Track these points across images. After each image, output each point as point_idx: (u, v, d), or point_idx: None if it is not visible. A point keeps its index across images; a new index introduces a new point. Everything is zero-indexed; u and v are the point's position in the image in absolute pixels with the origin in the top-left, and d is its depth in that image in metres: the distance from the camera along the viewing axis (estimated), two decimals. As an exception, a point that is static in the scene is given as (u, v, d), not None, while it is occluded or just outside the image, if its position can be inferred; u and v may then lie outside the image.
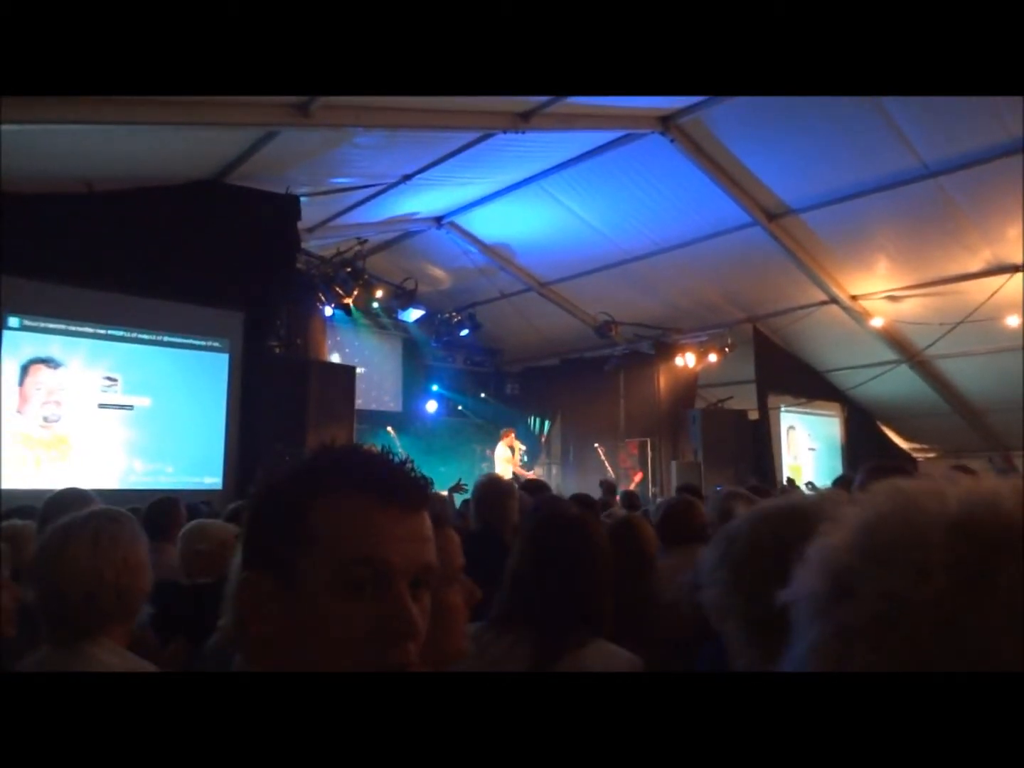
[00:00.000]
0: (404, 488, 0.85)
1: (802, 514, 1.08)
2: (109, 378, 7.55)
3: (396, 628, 0.80)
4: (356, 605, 0.79)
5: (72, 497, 3.08)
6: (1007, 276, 9.13)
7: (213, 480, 8.04)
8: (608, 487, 8.86)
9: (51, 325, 7.31)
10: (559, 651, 1.77)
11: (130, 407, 7.66)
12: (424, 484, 0.88)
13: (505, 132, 7.51)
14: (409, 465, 0.89)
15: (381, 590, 0.80)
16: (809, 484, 6.80)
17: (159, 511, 3.80)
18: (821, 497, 1.17)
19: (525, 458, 12.13)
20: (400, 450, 10.23)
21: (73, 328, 7.45)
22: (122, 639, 1.70)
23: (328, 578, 0.80)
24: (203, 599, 2.82)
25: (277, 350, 9.02)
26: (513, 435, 11.58)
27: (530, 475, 11.18)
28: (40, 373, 7.20)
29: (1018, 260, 8.99)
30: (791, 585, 0.57)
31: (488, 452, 13.25)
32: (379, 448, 0.90)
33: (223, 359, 8.26)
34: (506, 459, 11.33)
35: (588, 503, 4.64)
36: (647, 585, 2.75)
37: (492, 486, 3.71)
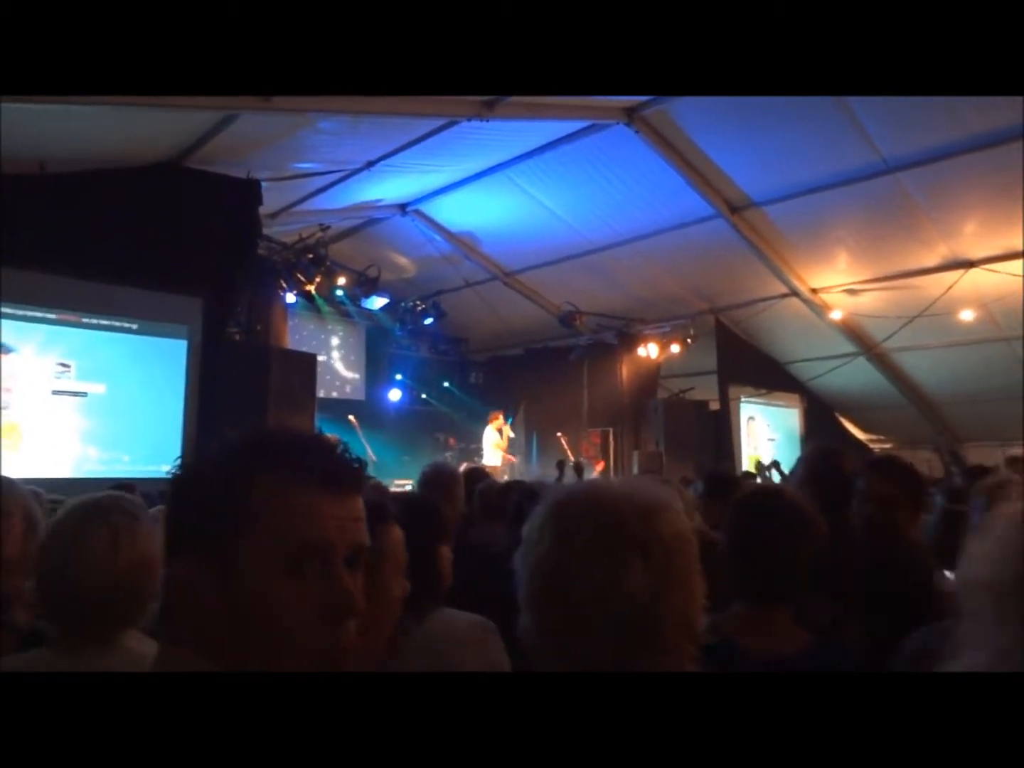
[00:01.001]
0: (341, 471, 0.86)
1: None
2: (62, 364, 7.38)
3: (337, 607, 0.80)
4: (297, 586, 0.79)
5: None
6: (962, 271, 9.33)
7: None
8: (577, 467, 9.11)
9: (2, 310, 7.12)
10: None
11: (84, 394, 7.50)
12: (359, 467, 0.89)
13: (469, 120, 7.46)
14: (344, 448, 0.89)
15: (321, 571, 0.80)
16: (774, 464, 6.92)
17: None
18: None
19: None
20: (362, 439, 10.19)
21: (26, 313, 7.26)
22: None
23: (268, 561, 0.79)
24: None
25: (237, 337, 8.89)
26: (501, 418, 11.38)
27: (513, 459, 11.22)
28: (-9, 358, 7.02)
29: (973, 256, 9.18)
30: None
31: (451, 441, 13.22)
32: (314, 431, 0.91)
33: (181, 346, 8.11)
34: (495, 443, 11.15)
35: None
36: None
37: (437, 472, 3.74)
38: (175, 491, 0.87)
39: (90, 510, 1.60)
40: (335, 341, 13.26)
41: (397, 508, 1.95)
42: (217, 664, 0.79)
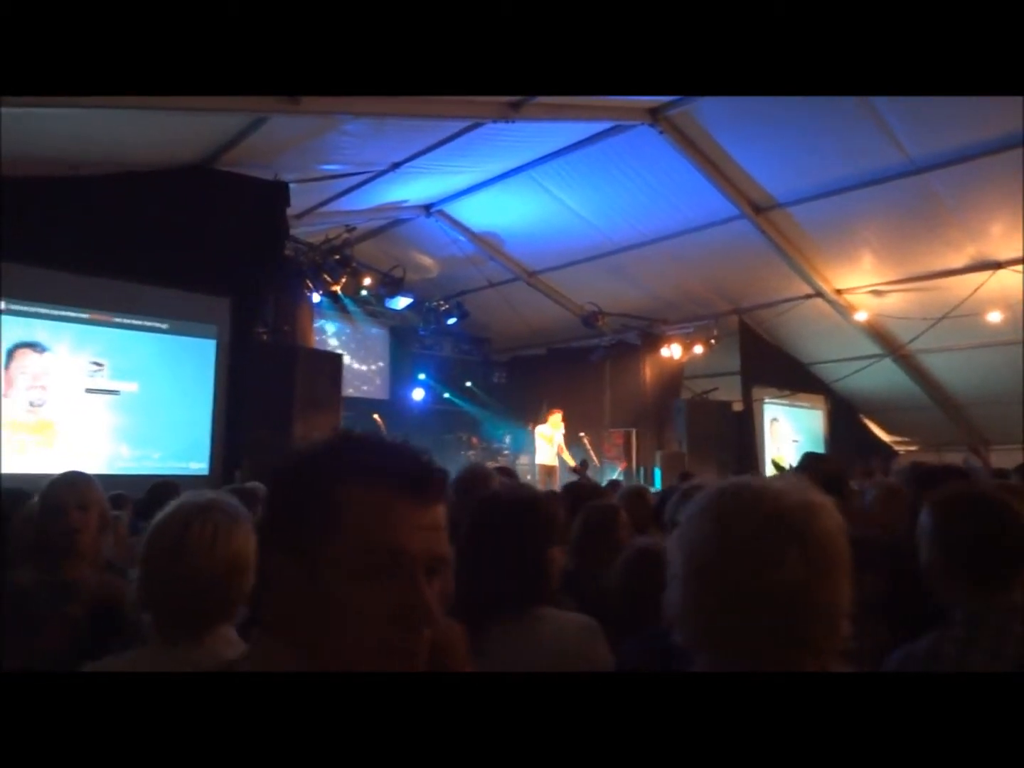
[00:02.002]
0: (425, 480, 0.88)
1: None
2: (95, 363, 7.53)
3: (414, 615, 0.83)
4: (377, 591, 0.82)
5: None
6: (989, 272, 9.25)
7: (199, 466, 8.04)
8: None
9: (37, 309, 7.27)
10: (488, 625, 1.80)
11: (116, 392, 7.64)
12: (442, 476, 0.90)
13: (495, 121, 7.51)
14: (428, 456, 0.91)
15: (401, 578, 0.83)
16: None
17: (160, 496, 3.84)
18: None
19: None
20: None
21: (59, 312, 7.42)
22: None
23: (351, 565, 0.82)
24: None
25: (264, 337, 9.00)
26: (560, 415, 10.89)
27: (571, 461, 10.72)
28: (26, 358, 7.17)
29: (1000, 257, 9.10)
30: None
31: (473, 440, 13.29)
32: (399, 438, 0.93)
33: (210, 345, 8.24)
34: (546, 437, 10.65)
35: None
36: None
37: (472, 474, 3.71)
38: (273, 488, 0.91)
39: (193, 509, 1.65)
40: (360, 341, 13.37)
41: (510, 506, 2.01)
42: (300, 654, 0.83)
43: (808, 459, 3.61)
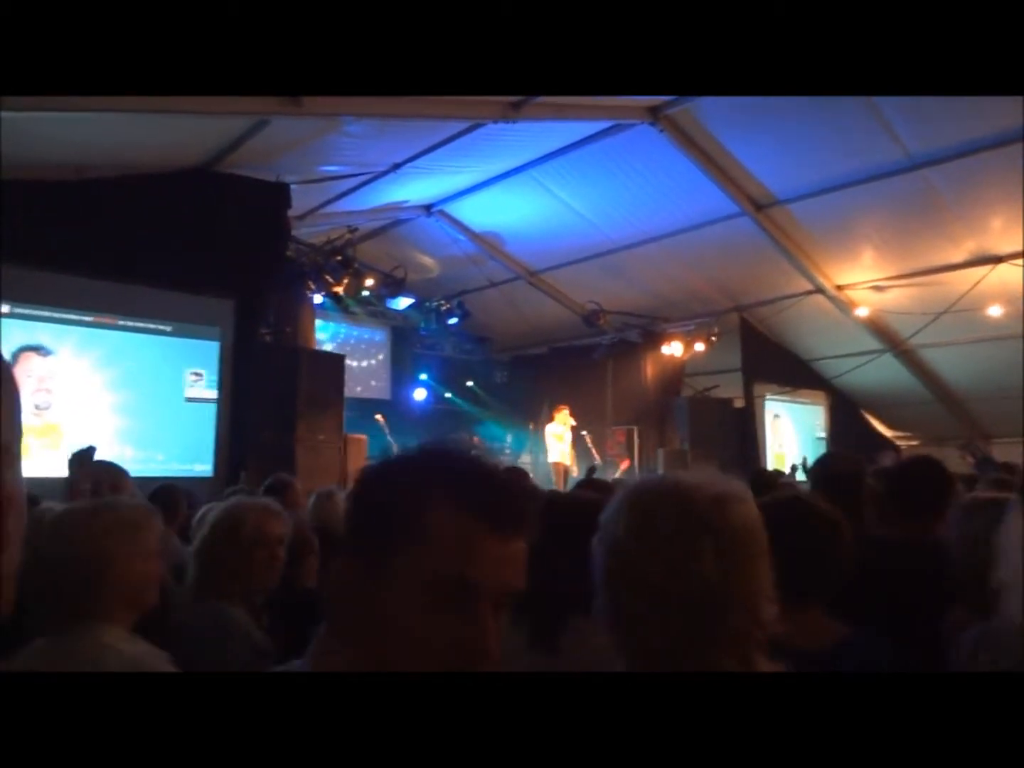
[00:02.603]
0: (512, 513, 0.85)
1: None
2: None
3: (473, 648, 0.81)
4: (439, 617, 0.80)
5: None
6: (989, 267, 9.26)
7: (204, 468, 8.07)
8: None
9: (40, 313, 7.30)
10: (555, 628, 1.84)
11: (121, 395, 7.66)
12: (529, 505, 0.88)
13: (496, 122, 7.53)
14: (518, 484, 0.88)
15: (467, 609, 0.81)
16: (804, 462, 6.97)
17: (163, 499, 3.87)
18: None
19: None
20: (390, 438, 10.30)
21: (63, 316, 7.44)
22: (128, 627, 1.73)
23: (419, 585, 0.81)
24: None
25: (267, 338, 9.03)
26: (567, 411, 10.80)
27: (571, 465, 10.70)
28: (30, 361, 7.19)
29: (1000, 251, 9.12)
30: None
31: (475, 440, 13.29)
32: (491, 460, 0.89)
33: (214, 347, 8.27)
34: (557, 436, 10.60)
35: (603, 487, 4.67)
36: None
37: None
38: (360, 490, 0.90)
39: (82, 505, 1.76)
40: (362, 341, 13.39)
41: (565, 507, 2.04)
42: (356, 663, 0.83)
43: (823, 460, 3.56)
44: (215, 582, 2.23)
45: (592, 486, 3.95)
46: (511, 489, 0.87)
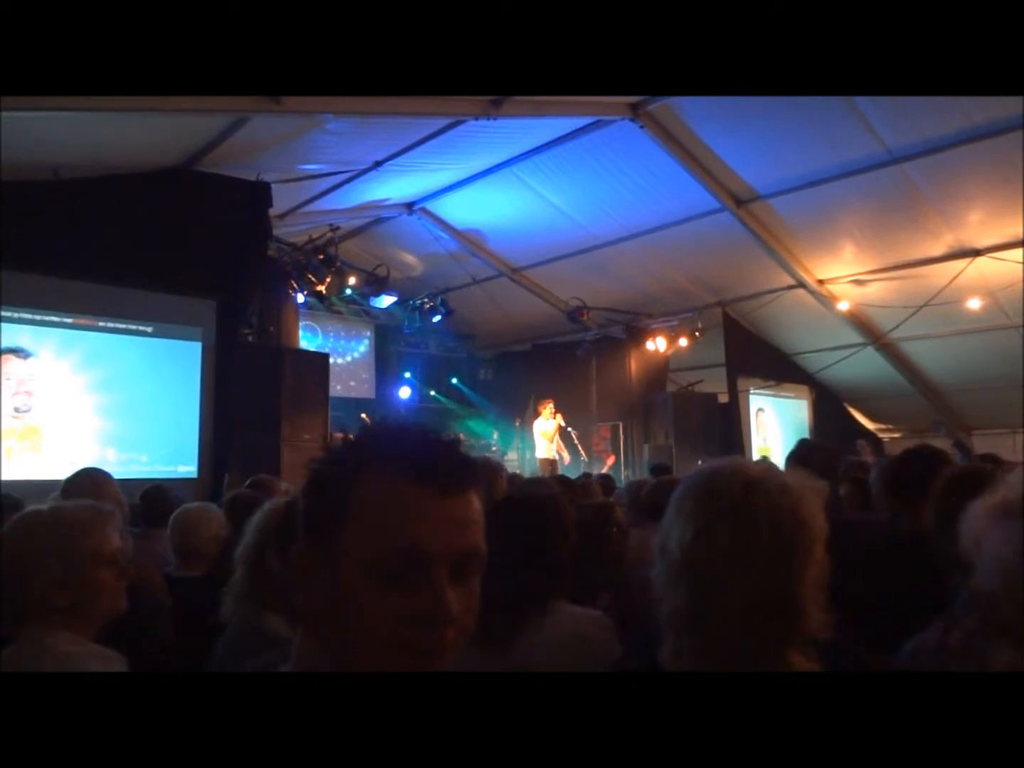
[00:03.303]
0: (444, 468, 0.81)
1: None
2: (80, 367, 7.50)
3: (431, 617, 0.77)
4: (391, 594, 0.77)
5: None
6: (968, 260, 9.36)
7: (188, 469, 8.02)
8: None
9: (20, 315, 7.22)
10: (515, 622, 1.87)
11: (102, 397, 7.61)
12: (469, 463, 0.84)
13: (477, 119, 7.52)
14: (453, 443, 0.85)
15: (418, 579, 0.77)
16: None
17: (152, 500, 3.85)
18: None
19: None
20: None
21: (43, 317, 7.38)
22: (87, 632, 1.72)
23: (367, 559, 0.78)
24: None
25: (250, 338, 8.98)
26: (552, 406, 10.75)
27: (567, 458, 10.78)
28: (10, 363, 7.12)
29: (979, 245, 9.22)
30: None
31: (460, 437, 13.26)
32: (423, 426, 0.86)
33: (196, 347, 8.22)
34: (543, 433, 10.59)
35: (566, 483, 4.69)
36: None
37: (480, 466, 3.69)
38: (306, 478, 0.88)
39: (38, 508, 1.75)
40: (345, 340, 13.36)
41: (521, 505, 2.04)
42: (326, 653, 0.81)
43: (800, 448, 3.62)
44: (256, 589, 2.14)
45: (562, 483, 3.97)
46: (442, 448, 0.83)
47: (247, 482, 4.34)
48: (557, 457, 10.62)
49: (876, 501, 2.79)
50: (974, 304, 9.96)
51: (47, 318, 7.40)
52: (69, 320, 7.53)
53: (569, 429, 11.21)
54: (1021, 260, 9.05)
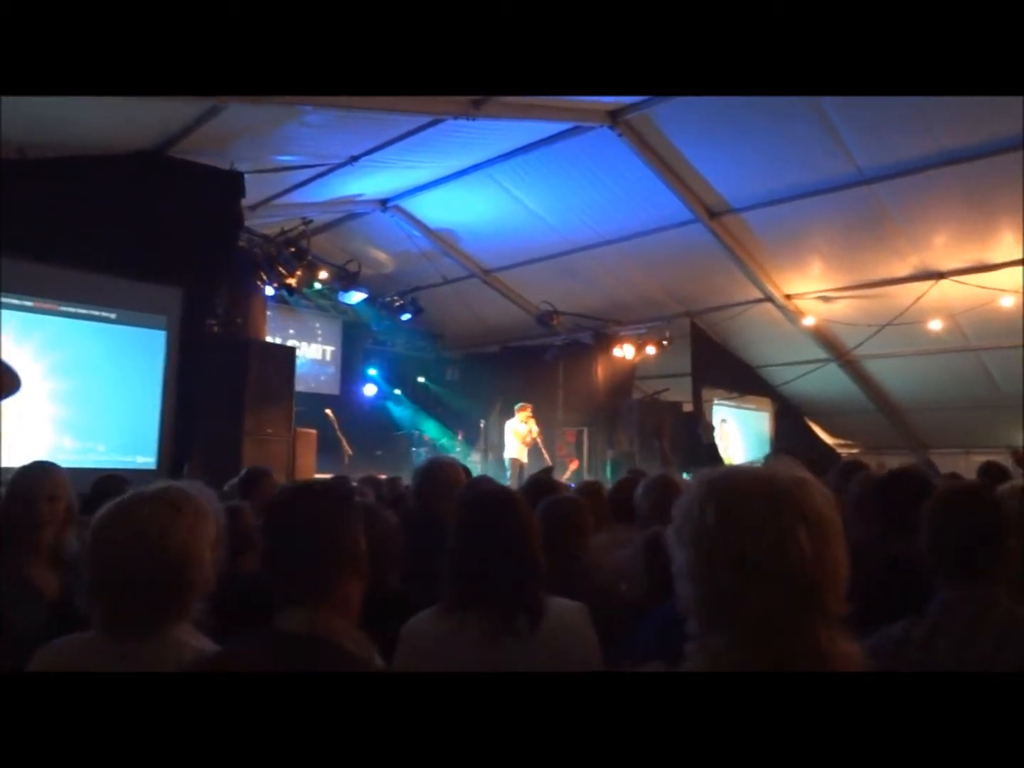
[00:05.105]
0: None
1: None
2: (38, 352, 7.31)
3: None
4: None
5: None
6: (932, 282, 9.55)
7: (146, 460, 7.86)
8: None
9: (-22, 295, 7.03)
10: (511, 621, 1.90)
11: (60, 383, 7.42)
12: None
13: (456, 118, 7.49)
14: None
15: None
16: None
17: (105, 491, 3.74)
18: None
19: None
20: (339, 433, 10.18)
21: (2, 300, 7.17)
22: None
23: None
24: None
25: (216, 328, 8.84)
26: (530, 411, 10.77)
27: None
28: (-34, 345, 6.92)
29: (942, 267, 9.40)
30: None
31: (425, 437, 13.23)
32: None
33: (160, 336, 8.05)
34: (516, 433, 10.64)
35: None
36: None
37: (434, 469, 3.70)
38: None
39: (135, 501, 1.61)
40: (311, 335, 13.23)
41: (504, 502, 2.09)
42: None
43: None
44: None
45: (542, 483, 3.99)
46: None
47: (242, 473, 4.27)
48: (527, 460, 10.62)
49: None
50: (935, 325, 10.16)
51: (7, 300, 7.18)
52: (29, 303, 7.34)
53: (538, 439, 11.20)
54: (982, 285, 9.26)
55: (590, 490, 4.07)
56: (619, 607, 2.44)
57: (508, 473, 10.45)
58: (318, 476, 8.41)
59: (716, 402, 12.67)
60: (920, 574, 1.97)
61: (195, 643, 1.56)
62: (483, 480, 4.45)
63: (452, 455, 10.91)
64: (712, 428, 5.63)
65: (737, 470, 1.21)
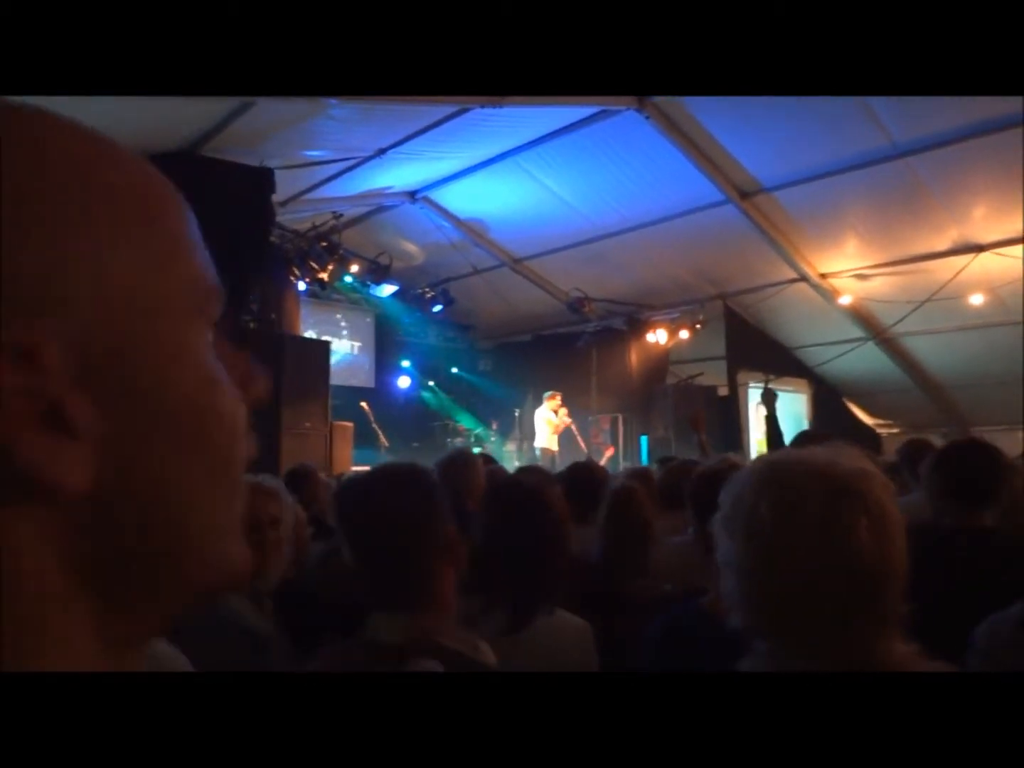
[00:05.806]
0: None
1: None
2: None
3: None
4: None
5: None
6: (972, 255, 9.34)
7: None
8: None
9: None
10: (528, 620, 1.84)
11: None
12: None
13: (483, 107, 7.48)
14: None
15: None
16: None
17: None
18: None
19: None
20: (375, 425, 10.27)
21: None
22: None
23: None
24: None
25: (251, 325, 8.94)
26: (559, 399, 10.76)
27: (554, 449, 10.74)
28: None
29: (983, 240, 9.19)
30: None
31: (460, 428, 13.28)
32: None
33: (196, 334, 8.16)
34: (548, 421, 10.58)
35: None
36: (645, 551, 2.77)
37: (456, 457, 3.70)
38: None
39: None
40: (344, 328, 13.33)
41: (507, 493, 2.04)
42: None
43: (800, 440, 3.64)
44: None
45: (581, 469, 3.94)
46: None
47: (288, 469, 4.33)
48: (558, 449, 10.60)
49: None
50: (976, 300, 9.95)
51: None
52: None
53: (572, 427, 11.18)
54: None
55: (642, 476, 4.00)
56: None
57: (539, 464, 10.44)
58: (355, 469, 8.49)
59: (752, 385, 12.51)
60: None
61: None
62: (530, 470, 4.44)
63: (473, 448, 10.95)
64: (775, 395, 5.47)
65: (794, 457, 1.13)
